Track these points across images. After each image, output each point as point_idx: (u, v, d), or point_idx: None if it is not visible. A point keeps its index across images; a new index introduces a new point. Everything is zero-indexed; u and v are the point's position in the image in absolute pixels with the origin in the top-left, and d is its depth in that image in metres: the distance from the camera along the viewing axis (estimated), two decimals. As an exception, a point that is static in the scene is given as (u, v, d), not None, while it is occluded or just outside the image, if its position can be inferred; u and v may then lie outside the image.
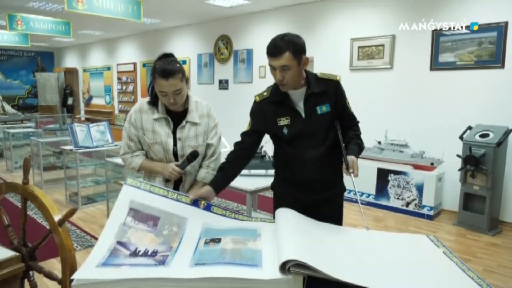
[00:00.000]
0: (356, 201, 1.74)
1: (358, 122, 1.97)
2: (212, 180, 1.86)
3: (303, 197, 1.86)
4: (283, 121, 1.83)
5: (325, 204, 1.88)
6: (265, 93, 1.89)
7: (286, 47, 1.66)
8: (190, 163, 1.85)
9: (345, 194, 2.04)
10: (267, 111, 1.86)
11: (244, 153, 1.92)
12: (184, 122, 1.88)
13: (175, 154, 1.89)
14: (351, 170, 1.69)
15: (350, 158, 1.73)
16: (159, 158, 1.91)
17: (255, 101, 1.91)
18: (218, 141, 2.00)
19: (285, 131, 1.83)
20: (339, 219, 1.95)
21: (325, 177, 1.86)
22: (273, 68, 1.73)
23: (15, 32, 7.53)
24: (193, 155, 1.84)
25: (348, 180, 1.99)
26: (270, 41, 1.74)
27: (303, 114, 1.82)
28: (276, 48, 1.68)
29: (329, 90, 1.82)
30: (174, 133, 1.88)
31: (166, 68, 1.72)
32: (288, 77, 1.71)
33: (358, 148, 1.84)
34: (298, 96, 1.82)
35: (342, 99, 1.87)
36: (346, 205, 2.06)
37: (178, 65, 1.77)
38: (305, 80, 1.81)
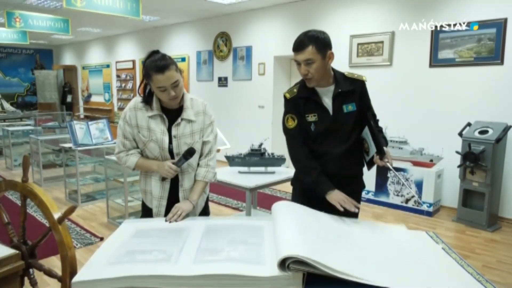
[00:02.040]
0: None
1: (378, 120, 2.05)
2: (328, 184, 1.83)
3: None
4: (311, 118, 1.87)
5: None
6: (294, 90, 1.93)
7: (309, 41, 1.72)
8: (186, 160, 1.84)
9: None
10: (299, 106, 1.90)
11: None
12: (179, 120, 1.87)
13: (170, 152, 1.88)
14: (386, 160, 1.75)
15: (385, 149, 1.78)
16: (154, 156, 1.89)
17: (286, 98, 1.94)
18: (214, 138, 2.00)
19: (312, 127, 1.88)
20: (355, 215, 1.99)
21: (346, 173, 1.92)
22: (298, 63, 1.79)
23: (13, 29, 7.51)
24: (190, 152, 1.84)
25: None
26: (295, 38, 1.79)
27: (330, 112, 1.86)
28: (299, 43, 1.75)
29: (356, 90, 1.89)
30: (169, 130, 1.87)
31: (159, 63, 1.72)
32: (312, 71, 1.75)
33: (385, 141, 1.90)
34: (326, 94, 1.87)
35: (367, 99, 1.95)
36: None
37: (168, 57, 1.77)
38: (333, 78, 1.86)
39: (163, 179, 1.90)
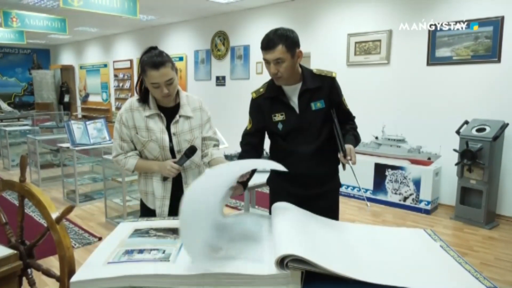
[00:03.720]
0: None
1: (354, 117, 1.99)
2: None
3: (298, 192, 1.87)
4: (278, 117, 1.85)
5: (320, 199, 1.89)
6: (261, 89, 1.91)
7: (279, 40, 1.69)
8: (188, 158, 1.83)
9: (343, 189, 2.05)
10: (263, 106, 1.88)
11: (254, 154, 1.94)
12: (177, 117, 1.86)
13: (171, 150, 1.87)
14: (348, 158, 1.67)
15: (348, 146, 1.72)
16: (154, 157, 1.87)
17: (252, 98, 1.93)
18: (215, 132, 2.02)
19: (280, 126, 1.86)
20: (335, 214, 1.97)
21: (319, 172, 1.88)
22: (267, 62, 1.75)
23: (10, 29, 7.49)
24: (192, 150, 1.83)
25: (343, 175, 2.00)
26: (264, 36, 1.75)
27: (297, 110, 1.83)
28: (269, 41, 1.70)
29: (324, 87, 1.83)
30: (168, 129, 1.86)
31: (156, 59, 1.71)
32: (282, 70, 1.72)
33: (354, 138, 1.86)
34: (292, 92, 1.83)
35: (337, 96, 1.88)
36: (343, 200, 2.08)
37: (165, 55, 1.77)
38: (301, 76, 1.83)
39: (165, 179, 1.88)
